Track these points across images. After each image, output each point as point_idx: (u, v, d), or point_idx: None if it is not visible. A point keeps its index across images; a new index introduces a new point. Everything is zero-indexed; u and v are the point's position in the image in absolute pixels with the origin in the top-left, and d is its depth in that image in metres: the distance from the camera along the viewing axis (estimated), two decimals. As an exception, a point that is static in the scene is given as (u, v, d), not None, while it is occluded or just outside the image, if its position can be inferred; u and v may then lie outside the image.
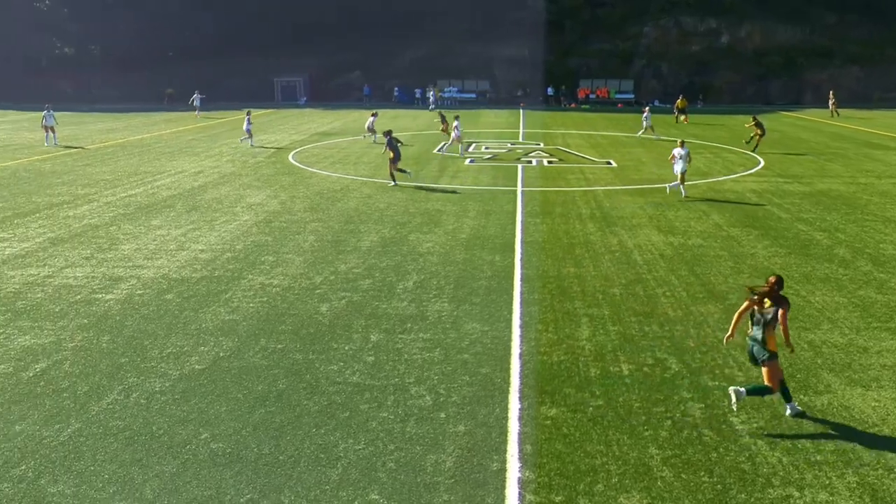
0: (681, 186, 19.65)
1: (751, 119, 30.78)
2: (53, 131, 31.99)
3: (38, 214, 17.77)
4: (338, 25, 64.10)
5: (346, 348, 9.52)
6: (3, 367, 8.95)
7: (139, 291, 11.83)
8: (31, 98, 63.42)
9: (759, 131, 29.22)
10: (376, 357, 9.23)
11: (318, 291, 11.81)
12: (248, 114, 32.54)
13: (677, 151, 19.54)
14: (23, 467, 6.77)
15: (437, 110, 39.96)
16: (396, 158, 21.22)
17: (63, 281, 12.42)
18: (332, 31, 64.06)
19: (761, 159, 27.12)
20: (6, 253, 14.24)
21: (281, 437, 7.31)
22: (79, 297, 11.59)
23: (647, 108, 36.62)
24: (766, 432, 7.45)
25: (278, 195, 20.15)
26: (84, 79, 66.20)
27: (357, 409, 7.90)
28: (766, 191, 20.82)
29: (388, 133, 21.81)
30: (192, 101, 47.84)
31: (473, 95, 62.28)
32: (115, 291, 11.83)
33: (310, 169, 25.01)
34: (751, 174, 23.96)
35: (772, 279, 7.65)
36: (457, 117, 29.51)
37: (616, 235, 15.54)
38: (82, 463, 6.84)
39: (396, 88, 62.43)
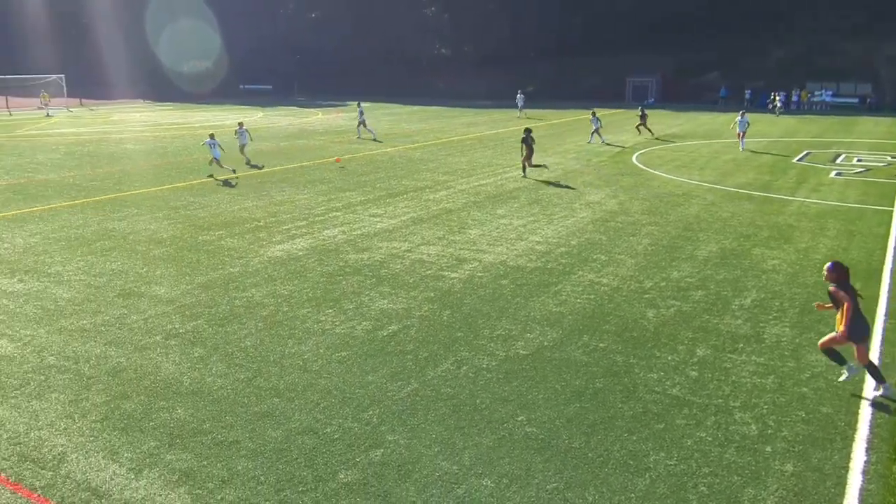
0: None
1: None
2: (366, 125, 35.75)
3: (405, 196, 20.25)
4: (698, 22, 61.41)
5: (669, 358, 9.20)
6: (365, 324, 10.42)
7: (479, 274, 12.81)
8: (410, 94, 72.21)
9: None
10: (700, 373, 8.77)
11: (646, 296, 11.58)
12: (594, 113, 33.43)
13: None
14: (370, 413, 7.82)
15: (642, 109, 36.70)
16: (530, 155, 23.02)
17: (418, 256, 14.00)
18: (691, 29, 61.64)
19: None
20: (378, 227, 16.50)
21: (592, 434, 7.36)
22: (429, 272, 12.96)
23: None
24: None
25: (617, 195, 20.15)
26: (455, 77, 73.34)
27: (673, 422, 7.60)
28: None
29: (527, 130, 23.43)
30: (517, 100, 49.62)
31: (855, 100, 54.45)
32: (459, 271, 12.98)
33: (652, 171, 24.55)
34: None
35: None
36: None
37: None
38: (415, 419, 7.68)
39: (748, 91, 57.43)
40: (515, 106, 50.03)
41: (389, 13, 77.01)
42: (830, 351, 8.30)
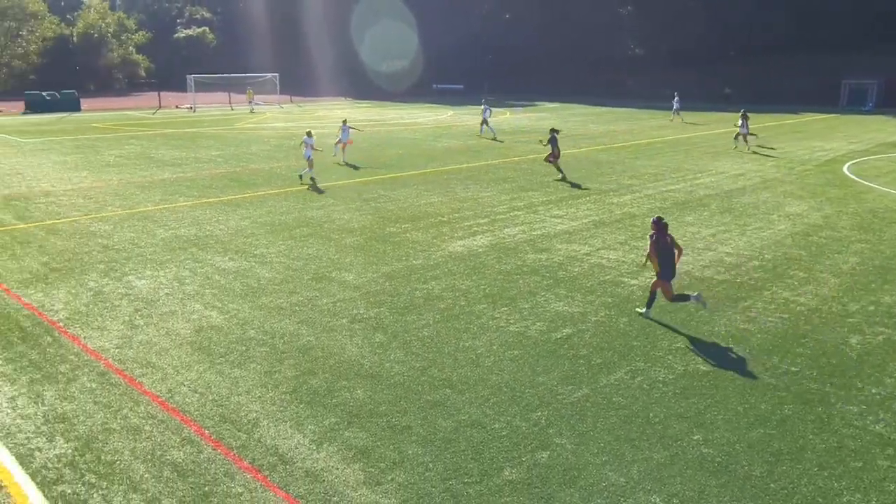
0: None
1: None
2: (488, 123, 36.27)
3: (587, 198, 19.94)
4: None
5: (874, 391, 8.30)
6: (539, 325, 10.40)
7: (661, 282, 12.31)
8: (599, 94, 70.88)
9: None
10: (911, 411, 7.82)
11: (850, 320, 10.53)
12: (745, 117, 30.36)
13: None
14: (538, 413, 7.81)
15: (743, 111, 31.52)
16: (557, 155, 23.46)
17: (597, 260, 13.73)
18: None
19: None
20: (558, 228, 16.39)
21: (777, 464, 6.83)
22: (608, 277, 12.67)
23: None
24: None
25: (822, 208, 18.48)
26: (647, 77, 70.96)
27: (873, 462, 6.85)
28: None
29: (553, 130, 23.84)
30: (673, 102, 46.68)
31: None
32: (639, 278, 12.56)
33: (866, 183, 22.23)
34: None
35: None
36: None
37: None
38: (584, 425, 7.55)
39: None
40: (670, 108, 47.47)
41: (583, 13, 76.08)
42: (652, 294, 10.65)
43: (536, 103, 64.84)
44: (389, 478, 6.62)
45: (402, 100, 72.67)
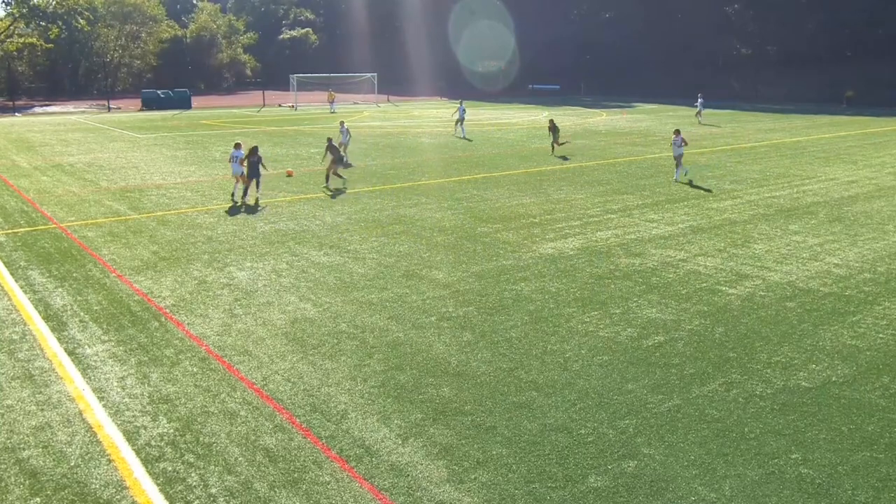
0: None
1: None
2: (461, 124, 36.26)
3: (685, 203, 19.33)
4: None
5: None
6: (630, 331, 10.17)
7: (761, 292, 11.81)
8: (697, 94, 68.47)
9: None
10: None
11: (972, 341, 9.75)
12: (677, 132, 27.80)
13: None
14: (626, 421, 7.63)
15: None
16: (334, 163, 21.95)
17: (693, 267, 13.29)
18: None
19: None
20: (653, 233, 15.97)
21: (884, 489, 6.42)
22: (704, 285, 12.25)
23: None
24: None
25: (945, 219, 17.20)
26: (753, 78, 68.07)
27: None
28: None
29: (329, 139, 22.75)
30: (697, 104, 45.15)
31: None
32: (738, 287, 12.08)
33: None
34: None
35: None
36: None
37: None
38: (674, 436, 7.33)
39: None
40: (694, 107, 46.37)
41: (686, 13, 73.81)
42: (245, 189, 18.53)
43: (634, 104, 63.39)
44: (472, 476, 6.64)
45: (498, 100, 72.61)
